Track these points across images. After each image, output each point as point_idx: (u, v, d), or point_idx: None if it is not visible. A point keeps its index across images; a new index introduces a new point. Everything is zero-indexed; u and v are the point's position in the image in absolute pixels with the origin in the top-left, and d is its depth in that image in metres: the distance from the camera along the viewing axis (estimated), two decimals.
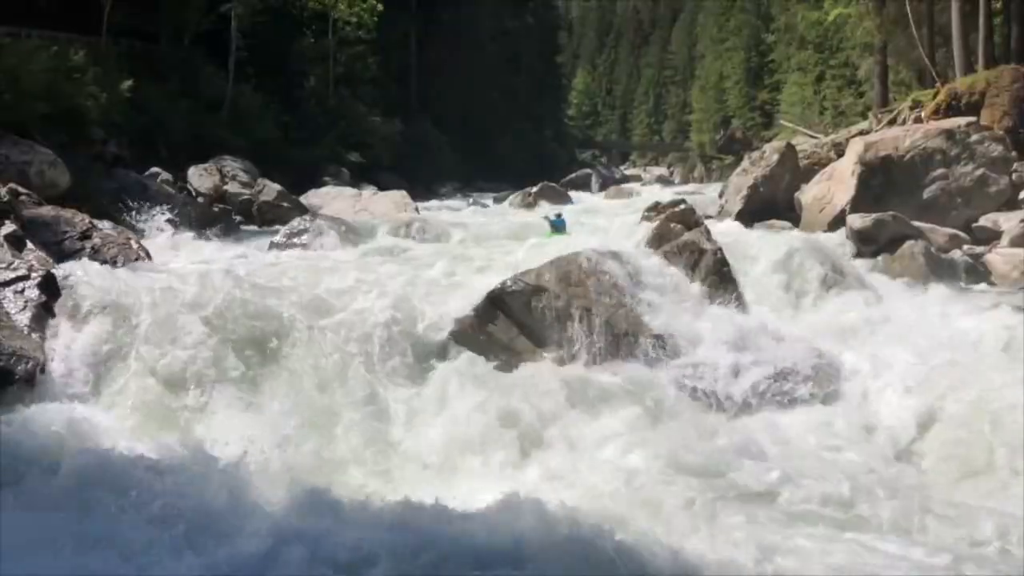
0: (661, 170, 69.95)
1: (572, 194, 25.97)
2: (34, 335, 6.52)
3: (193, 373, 6.42)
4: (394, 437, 6.02)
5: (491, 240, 13.60)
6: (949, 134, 12.85)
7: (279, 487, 4.28)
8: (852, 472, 5.41)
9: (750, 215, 14.22)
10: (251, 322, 7.15)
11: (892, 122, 18.51)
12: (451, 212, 20.80)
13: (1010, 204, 12.56)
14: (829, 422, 6.29)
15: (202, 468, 4.66)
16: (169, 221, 14.17)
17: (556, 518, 4.12)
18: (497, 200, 25.62)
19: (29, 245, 7.64)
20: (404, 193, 19.92)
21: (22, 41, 18.15)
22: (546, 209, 20.75)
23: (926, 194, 12.58)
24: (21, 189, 10.04)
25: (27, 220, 8.63)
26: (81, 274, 7.43)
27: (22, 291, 6.90)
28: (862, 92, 34.61)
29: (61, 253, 8.37)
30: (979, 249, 11.68)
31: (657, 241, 9.13)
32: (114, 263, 8.56)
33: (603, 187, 36.12)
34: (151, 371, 6.41)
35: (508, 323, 7.71)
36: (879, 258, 11.09)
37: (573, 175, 39.57)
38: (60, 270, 7.42)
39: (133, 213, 13.92)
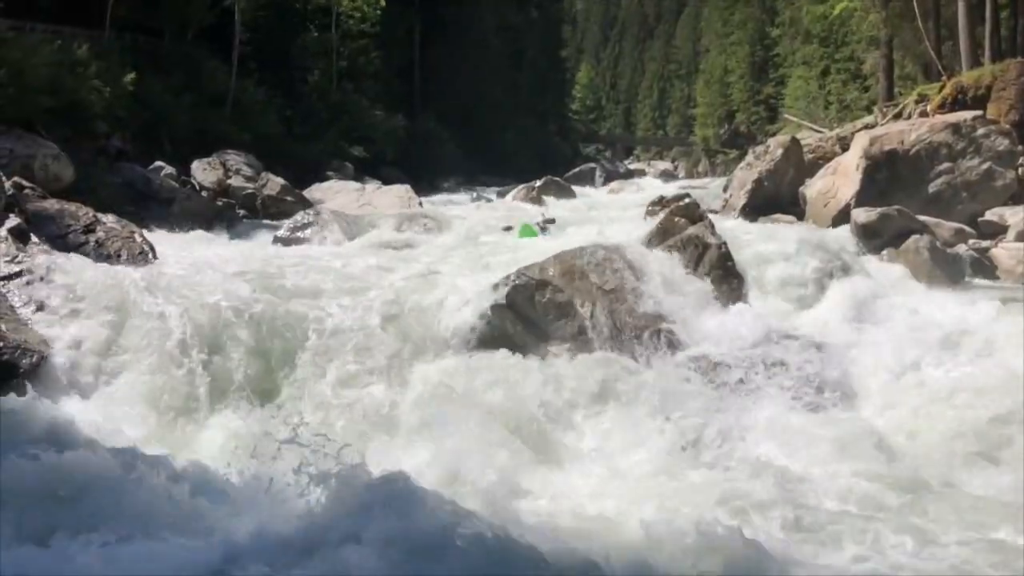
0: (665, 164, 69.83)
1: (576, 188, 25.90)
2: (38, 329, 6.53)
3: (197, 368, 6.42)
4: (400, 428, 6.02)
5: (495, 234, 13.58)
6: (955, 128, 12.78)
7: (286, 481, 4.26)
8: (857, 467, 5.40)
9: (754, 209, 14.16)
10: (255, 318, 7.16)
11: (897, 116, 18.41)
12: (455, 207, 20.76)
13: (1016, 198, 12.49)
14: (834, 417, 6.27)
15: (205, 463, 4.67)
16: (173, 215, 14.19)
17: (559, 511, 4.12)
18: (500, 195, 25.58)
19: (33, 239, 7.65)
20: (408, 187, 19.89)
21: (26, 35, 18.14)
22: (550, 204, 20.73)
23: (931, 188, 12.52)
24: (25, 183, 10.04)
25: (31, 214, 8.63)
26: (85, 268, 7.44)
27: (26, 284, 6.92)
28: (867, 86, 34.45)
29: (65, 247, 8.36)
30: (985, 243, 11.63)
31: (661, 235, 9.11)
32: (118, 257, 8.56)
33: (607, 181, 36.02)
34: (154, 366, 6.41)
35: (512, 317, 7.70)
36: (884, 252, 11.04)
37: (577, 169, 39.39)
38: (64, 264, 7.43)
39: (137, 207, 13.94)
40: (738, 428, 6.15)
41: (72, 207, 9.28)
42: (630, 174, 47.69)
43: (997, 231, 11.91)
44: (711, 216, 10.24)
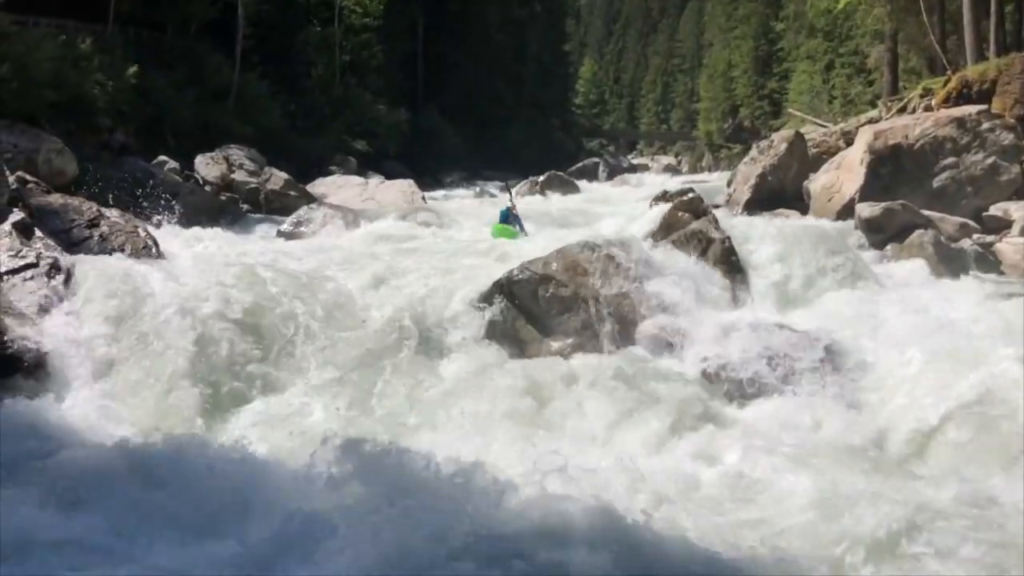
0: (669, 159, 69.74)
1: (579, 183, 25.88)
2: (42, 323, 6.54)
3: (201, 364, 6.43)
4: (402, 425, 6.02)
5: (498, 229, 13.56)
6: (960, 122, 12.72)
7: (288, 477, 4.27)
8: (861, 463, 5.39)
9: (758, 204, 14.13)
10: (259, 313, 7.17)
11: (902, 110, 18.37)
12: (458, 201, 20.77)
13: (1021, 193, 12.43)
14: (838, 412, 6.26)
15: (209, 459, 4.67)
16: (176, 210, 14.20)
17: (563, 506, 4.12)
18: (503, 189, 25.57)
19: (37, 233, 7.65)
20: (411, 182, 19.88)
21: (29, 29, 18.14)
22: (554, 200, 20.71)
23: (936, 183, 12.47)
24: (29, 177, 10.07)
25: (35, 208, 8.65)
26: (89, 262, 7.45)
27: (30, 279, 6.93)
28: (871, 80, 34.35)
29: (69, 241, 8.39)
30: (989, 238, 11.58)
31: (665, 230, 9.10)
32: (122, 251, 8.57)
33: (610, 176, 35.99)
34: (158, 361, 6.42)
35: (515, 312, 7.70)
36: (888, 247, 11.01)
37: (580, 164, 39.35)
38: (68, 258, 7.44)
39: (140, 202, 13.95)
40: (741, 424, 6.15)
41: (76, 202, 9.30)
42: (633, 169, 47.61)
43: (1002, 226, 11.86)
44: (715, 211, 10.22)
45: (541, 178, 23.25)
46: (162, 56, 24.27)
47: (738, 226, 10.35)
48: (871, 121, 17.43)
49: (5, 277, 6.85)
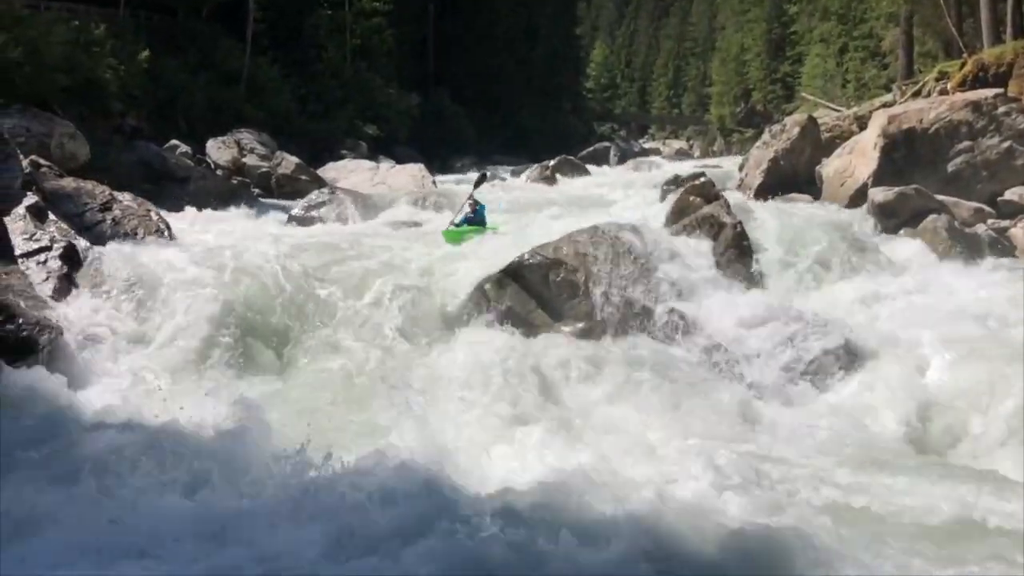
0: (680, 143, 69.33)
1: (590, 167, 25.77)
2: (56, 306, 6.60)
3: (214, 345, 6.48)
4: (413, 407, 6.04)
5: (508, 213, 13.54)
6: (975, 106, 12.59)
7: (304, 455, 4.31)
8: (872, 448, 5.39)
9: (770, 189, 14.05)
10: (270, 296, 7.20)
11: (917, 94, 18.17)
12: (469, 186, 20.71)
13: None
14: (849, 397, 6.25)
15: (223, 440, 4.71)
16: (188, 194, 14.26)
17: (569, 488, 4.14)
18: (514, 174, 25.50)
19: (51, 217, 7.70)
20: (422, 166, 19.87)
21: (41, 14, 18.17)
22: (565, 183, 20.62)
23: (950, 167, 12.36)
24: (42, 161, 10.10)
25: (48, 192, 8.69)
26: (102, 246, 7.50)
27: (44, 262, 6.99)
28: (886, 64, 33.98)
29: (82, 225, 8.44)
30: (1004, 223, 11.49)
31: (676, 215, 9.08)
32: (135, 235, 8.62)
33: (621, 160, 35.76)
34: (171, 342, 6.47)
35: (525, 296, 7.71)
36: (901, 232, 10.94)
37: (591, 148, 39.13)
38: (81, 242, 7.49)
39: (152, 185, 14.00)
40: (748, 407, 6.14)
41: (88, 185, 9.34)
42: (645, 153, 47.34)
43: (1016, 211, 11.76)
44: (726, 195, 10.18)
45: (552, 162, 23.15)
46: (173, 40, 24.26)
47: (750, 211, 10.31)
48: (885, 105, 17.25)
49: (20, 260, 6.90)
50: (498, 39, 43.79)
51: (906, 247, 10.35)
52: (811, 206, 12.69)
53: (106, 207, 8.93)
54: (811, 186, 14.14)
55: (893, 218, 11.16)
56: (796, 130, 14.78)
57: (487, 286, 7.73)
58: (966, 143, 12.40)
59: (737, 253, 8.55)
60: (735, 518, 4.02)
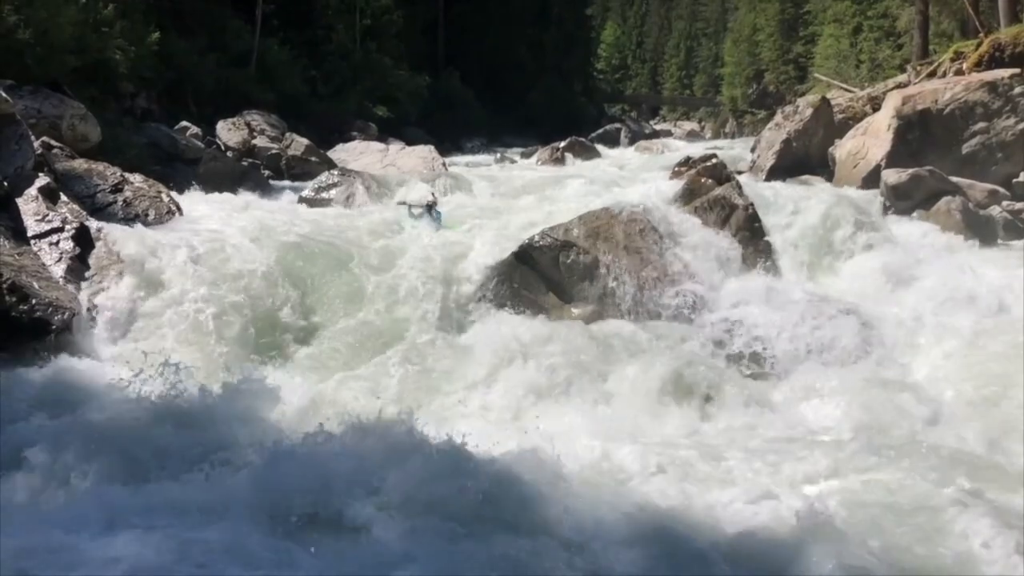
0: (692, 125, 68.93)
1: (601, 149, 25.65)
2: (69, 286, 6.63)
3: (224, 325, 6.50)
4: (424, 387, 6.07)
5: (519, 196, 13.49)
6: (991, 87, 12.44)
7: (314, 435, 4.33)
8: (885, 431, 5.37)
9: (783, 170, 13.96)
10: (281, 277, 7.22)
11: (932, 74, 17.93)
12: (479, 167, 20.67)
13: None
14: (861, 380, 6.22)
15: (235, 420, 4.75)
16: (198, 175, 14.26)
17: (582, 471, 4.15)
18: (525, 155, 25.40)
19: (63, 198, 7.72)
20: (431, 148, 19.80)
21: None
22: (574, 166, 20.52)
23: (965, 148, 12.24)
24: (54, 142, 10.10)
25: (60, 173, 8.71)
26: (114, 227, 7.52)
27: (57, 243, 7.02)
28: (900, 44, 33.56)
29: (94, 206, 8.46)
30: (1019, 205, 11.38)
31: (688, 196, 9.02)
32: (146, 216, 8.64)
33: (632, 142, 35.58)
34: (183, 322, 6.50)
35: (536, 278, 7.71)
36: (914, 214, 10.88)
37: (602, 130, 38.92)
38: (93, 223, 7.51)
39: (162, 167, 14.00)
40: (763, 392, 6.13)
41: (100, 167, 9.35)
42: (656, 134, 47.06)
43: None
44: (738, 177, 10.12)
45: (562, 144, 23.05)
46: (183, 21, 24.17)
47: (762, 192, 10.25)
48: (899, 86, 17.06)
49: (33, 241, 6.93)
50: (509, 20, 43.48)
51: (919, 229, 10.29)
52: (823, 188, 12.60)
53: (117, 188, 8.94)
54: (824, 168, 14.04)
55: (906, 200, 11.08)
56: (809, 111, 14.65)
57: (498, 268, 7.72)
58: (981, 124, 12.26)
59: (748, 235, 8.51)
60: (748, 501, 4.02)
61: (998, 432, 5.21)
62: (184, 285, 6.80)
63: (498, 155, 26.59)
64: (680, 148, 26.07)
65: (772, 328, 6.74)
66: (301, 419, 4.85)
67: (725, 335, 6.83)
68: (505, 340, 6.46)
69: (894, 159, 12.19)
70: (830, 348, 6.62)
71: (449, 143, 28.86)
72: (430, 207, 10.17)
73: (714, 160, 10.07)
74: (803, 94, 30.73)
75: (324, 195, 13.01)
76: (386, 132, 27.00)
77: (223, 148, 18.88)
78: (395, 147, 20.97)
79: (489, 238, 8.59)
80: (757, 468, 4.58)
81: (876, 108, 15.03)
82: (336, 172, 14.40)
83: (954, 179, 11.33)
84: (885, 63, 34.11)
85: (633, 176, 15.09)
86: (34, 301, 5.99)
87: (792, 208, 9.73)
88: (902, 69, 26.26)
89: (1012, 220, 10.86)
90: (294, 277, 7.24)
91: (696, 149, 21.83)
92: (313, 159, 18.62)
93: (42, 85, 13.24)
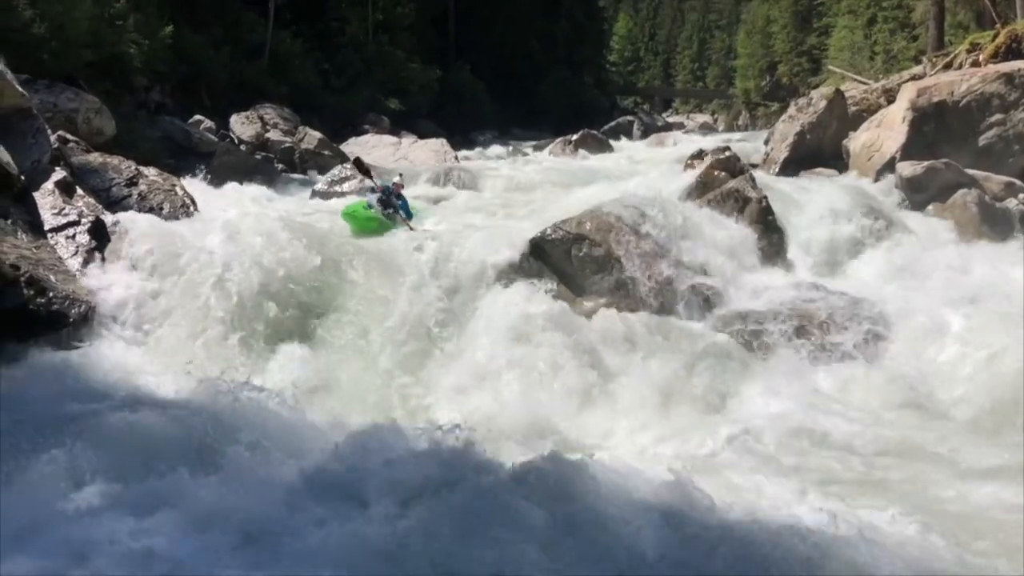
0: (705, 117, 68.64)
1: (613, 142, 25.58)
2: (85, 279, 6.68)
3: (241, 317, 6.54)
4: (436, 381, 6.09)
5: (530, 189, 13.50)
6: (1008, 78, 12.32)
7: (328, 425, 4.36)
8: (897, 426, 5.36)
9: (796, 163, 13.90)
10: (296, 270, 7.25)
11: (948, 66, 17.77)
12: (490, 160, 20.67)
13: None
14: (876, 374, 6.20)
15: (249, 412, 4.78)
16: (212, 169, 14.33)
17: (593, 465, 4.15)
18: (536, 148, 25.37)
19: (79, 191, 7.77)
20: (443, 141, 19.81)
21: None
22: (586, 157, 20.48)
23: (982, 141, 12.14)
24: (69, 136, 10.17)
25: (76, 167, 8.76)
26: (129, 220, 7.57)
27: (73, 236, 7.07)
28: (916, 35, 33.27)
29: (109, 199, 8.51)
30: None
31: (701, 189, 9.00)
32: (160, 210, 8.68)
33: (645, 134, 35.47)
34: (199, 314, 6.54)
35: (548, 271, 7.70)
36: (929, 207, 10.79)
37: (614, 122, 38.81)
38: (109, 216, 7.57)
39: (176, 160, 14.09)
40: (773, 384, 6.12)
41: (115, 160, 9.40)
42: (669, 127, 46.90)
43: None
44: (752, 170, 10.08)
45: (574, 137, 23.00)
46: (195, 14, 24.26)
47: (775, 185, 10.22)
48: (915, 77, 16.92)
49: (49, 234, 6.98)
50: (519, 11, 43.38)
51: (934, 222, 10.23)
52: (837, 181, 12.53)
53: (132, 182, 8.99)
54: (837, 160, 13.96)
55: (921, 192, 11.00)
56: (823, 103, 14.56)
57: (510, 261, 7.72)
58: (998, 116, 12.15)
59: (762, 228, 8.48)
60: (764, 494, 4.03)
61: (1005, 425, 5.20)
62: (198, 278, 6.84)
63: (510, 148, 26.57)
64: (693, 141, 25.96)
65: (785, 322, 6.72)
66: (309, 411, 4.87)
67: (739, 328, 6.82)
68: (516, 333, 6.47)
69: (909, 151, 12.10)
70: (844, 343, 6.59)
71: (460, 136, 28.86)
72: (388, 194, 8.74)
73: (727, 153, 10.04)
74: (817, 86, 30.54)
75: (337, 188, 13.06)
76: (397, 125, 27.06)
77: (236, 141, 18.96)
78: (407, 140, 21.01)
79: (494, 234, 8.58)
80: (772, 465, 4.57)
81: (891, 100, 14.92)
82: (349, 166, 14.43)
83: (970, 171, 11.23)
84: (900, 55, 33.82)
85: (646, 169, 15.04)
86: (51, 294, 6.04)
87: (806, 201, 9.68)
88: (917, 61, 26.05)
89: None
90: (306, 270, 7.26)
91: (709, 142, 21.72)
92: (326, 152, 18.67)
93: (57, 79, 13.32)
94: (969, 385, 5.86)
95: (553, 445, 4.24)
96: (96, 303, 6.39)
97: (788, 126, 14.85)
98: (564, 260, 7.70)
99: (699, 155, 11.46)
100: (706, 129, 52.03)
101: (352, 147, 20.12)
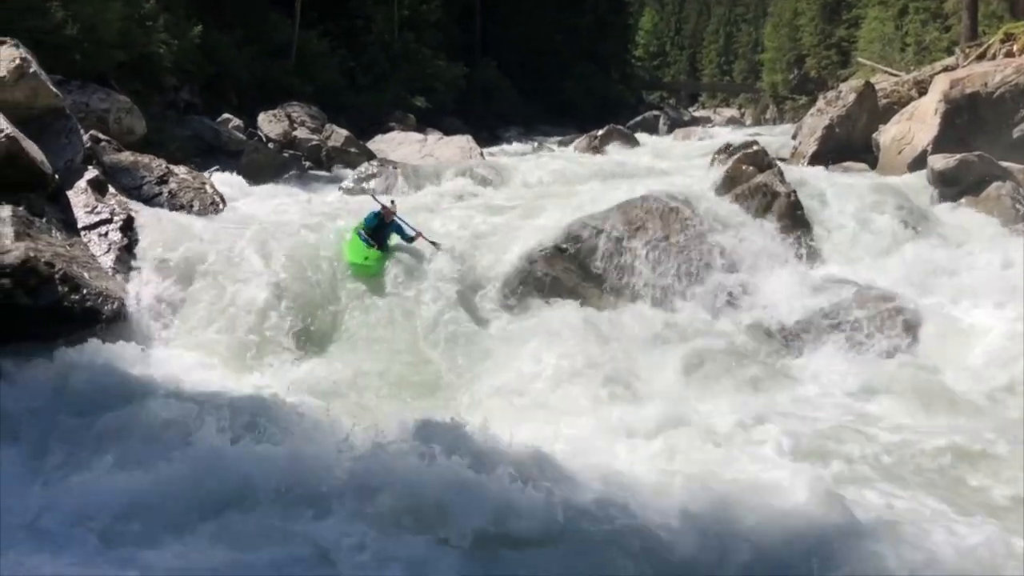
0: (731, 111, 68.04)
1: (639, 136, 25.46)
2: (117, 276, 6.78)
3: (269, 316, 6.60)
4: (464, 374, 6.11)
5: (555, 185, 13.47)
6: None
7: (359, 424, 4.39)
8: (930, 422, 5.29)
9: (825, 157, 13.75)
10: (325, 266, 7.30)
11: (981, 57, 17.48)
12: (515, 156, 20.66)
13: None
14: (907, 370, 6.12)
15: (278, 408, 4.83)
16: (241, 167, 14.47)
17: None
18: (562, 144, 25.31)
19: (111, 190, 7.90)
20: (469, 138, 19.83)
21: None
22: (611, 153, 20.39)
23: (1016, 133, 11.92)
24: (101, 136, 10.34)
25: (108, 166, 8.91)
26: (160, 217, 7.67)
27: (106, 234, 7.18)
28: (948, 26, 32.71)
29: (140, 197, 8.64)
30: None
31: (728, 184, 8.93)
32: (190, 207, 8.79)
33: (671, 129, 35.27)
34: (229, 311, 6.61)
35: (573, 266, 7.69)
36: (962, 200, 10.59)
37: (640, 117, 38.60)
38: (140, 214, 7.67)
39: (206, 159, 14.25)
40: (805, 380, 6.07)
41: (146, 159, 9.54)
42: (695, 122, 46.58)
43: None
44: (780, 164, 9.98)
45: (600, 132, 22.91)
46: (223, 15, 24.47)
47: (804, 179, 10.10)
48: (947, 69, 16.65)
49: (82, 232, 7.09)
50: (545, 7, 43.25)
51: (967, 216, 10.02)
52: (867, 174, 12.38)
53: (163, 180, 9.12)
54: (867, 154, 13.79)
55: (954, 186, 10.80)
56: (852, 96, 14.39)
57: (536, 257, 7.72)
58: None
59: (791, 223, 8.40)
60: (796, 490, 4.00)
61: None
62: (228, 274, 6.91)
63: (536, 144, 26.54)
64: (720, 135, 25.75)
65: (815, 317, 6.65)
66: (332, 409, 4.90)
67: (767, 323, 6.77)
68: (544, 328, 6.46)
69: (941, 144, 11.91)
70: (873, 338, 6.52)
71: (486, 132, 28.85)
72: (381, 223, 7.67)
73: (755, 147, 9.94)
74: (846, 79, 30.09)
75: (364, 185, 13.13)
76: (423, 122, 27.09)
77: (264, 140, 19.12)
78: (433, 137, 21.05)
79: (518, 230, 8.57)
80: (799, 456, 4.54)
81: (922, 92, 14.70)
82: (375, 163, 14.53)
83: (1004, 164, 11.03)
84: (932, 46, 33.25)
85: (672, 164, 14.96)
86: (85, 291, 6.14)
87: (834, 195, 9.56)
88: (950, 52, 25.65)
89: None
90: (335, 266, 7.31)
91: (736, 136, 21.56)
92: (353, 150, 18.77)
93: (89, 80, 13.52)
94: (1004, 380, 5.76)
95: (581, 440, 4.22)
96: (127, 299, 6.48)
97: (817, 120, 14.69)
98: (590, 255, 7.69)
99: (726, 150, 11.36)
100: (733, 123, 51.52)
101: (378, 144, 20.20)
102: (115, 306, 6.29)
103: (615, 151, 20.83)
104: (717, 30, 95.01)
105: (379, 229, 7.64)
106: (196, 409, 4.55)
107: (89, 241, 7.06)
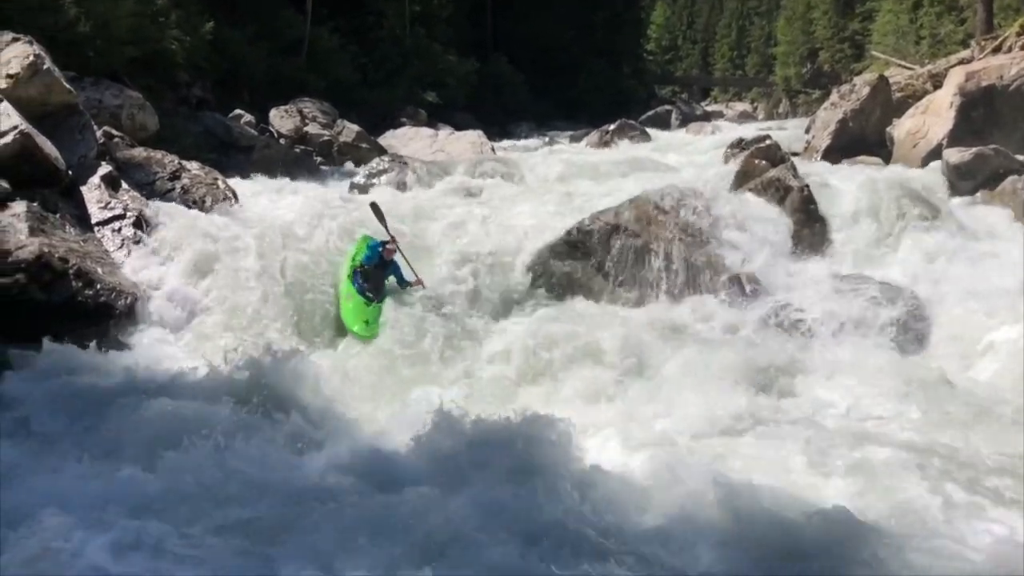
0: (744, 106, 67.73)
1: (651, 131, 25.35)
2: (130, 271, 6.82)
3: (282, 308, 6.62)
4: (474, 368, 6.11)
5: (566, 180, 13.44)
6: None
7: (370, 417, 4.40)
8: (943, 421, 5.25)
9: (838, 151, 13.65)
10: (336, 261, 7.31)
11: (997, 50, 17.31)
12: (527, 152, 20.62)
13: None
14: (920, 366, 6.08)
15: (288, 404, 4.84)
16: (252, 162, 14.51)
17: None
18: (573, 139, 25.23)
19: (124, 185, 7.93)
20: (480, 133, 19.82)
21: None
22: (623, 147, 20.32)
23: None
24: (114, 132, 10.38)
25: (121, 162, 8.94)
26: (172, 213, 7.70)
27: (119, 230, 7.22)
28: (963, 19, 32.41)
29: (153, 193, 8.66)
30: None
31: (741, 178, 8.89)
32: (203, 203, 8.82)
33: (683, 124, 35.07)
34: (242, 305, 6.63)
35: (586, 262, 7.68)
36: (977, 195, 10.50)
37: (652, 112, 38.38)
38: (153, 209, 7.71)
39: (218, 154, 14.28)
40: (818, 377, 6.03)
41: (158, 155, 9.58)
42: (707, 116, 46.33)
43: None
44: (793, 158, 9.92)
45: (611, 127, 22.83)
46: (234, 10, 24.53)
47: (817, 174, 10.04)
48: (962, 62, 16.49)
49: (96, 228, 7.14)
50: (557, 1, 43.16)
51: (983, 210, 9.93)
52: (881, 168, 12.28)
53: (175, 176, 9.15)
54: (881, 148, 13.68)
55: (969, 180, 10.71)
56: (866, 90, 14.28)
57: (548, 252, 7.71)
58: None
59: (804, 217, 8.36)
60: (808, 488, 3.98)
61: None
62: (240, 270, 6.94)
63: (547, 139, 26.49)
64: (732, 130, 25.63)
65: (828, 312, 6.62)
66: (341, 401, 4.91)
67: (780, 319, 6.73)
68: (555, 324, 6.45)
69: (956, 138, 11.81)
70: (887, 335, 6.48)
71: (497, 127, 28.82)
72: (381, 260, 7.05)
73: (768, 141, 9.91)
74: (859, 73, 29.92)
75: (375, 181, 13.13)
76: (434, 117, 27.08)
77: (276, 135, 19.15)
78: (444, 133, 21.03)
79: (529, 226, 8.55)
80: (812, 455, 4.51)
81: (937, 85, 14.58)
82: (387, 158, 14.53)
83: (1020, 157, 10.93)
84: (947, 38, 32.96)
85: (685, 159, 14.90)
86: (98, 286, 6.18)
87: (848, 189, 9.49)
88: (965, 44, 25.40)
89: None
90: (341, 266, 7.30)
91: (749, 130, 21.44)
92: (364, 146, 18.79)
93: (102, 76, 13.57)
94: (1017, 376, 5.71)
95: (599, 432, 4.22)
96: (140, 295, 6.51)
97: (830, 114, 14.59)
98: (602, 251, 7.67)
99: (739, 144, 11.32)
100: (745, 118, 51.37)
101: (390, 140, 20.21)
102: (128, 301, 6.33)
103: (627, 146, 20.73)
104: (729, 24, 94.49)
105: (378, 267, 7.04)
106: (207, 405, 4.56)
107: (102, 237, 7.11)
